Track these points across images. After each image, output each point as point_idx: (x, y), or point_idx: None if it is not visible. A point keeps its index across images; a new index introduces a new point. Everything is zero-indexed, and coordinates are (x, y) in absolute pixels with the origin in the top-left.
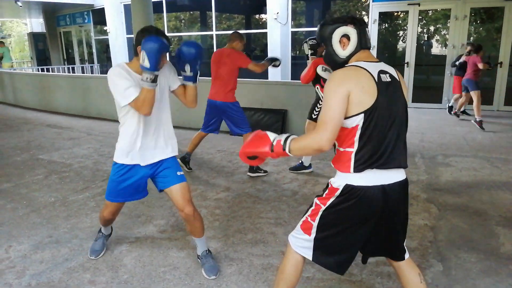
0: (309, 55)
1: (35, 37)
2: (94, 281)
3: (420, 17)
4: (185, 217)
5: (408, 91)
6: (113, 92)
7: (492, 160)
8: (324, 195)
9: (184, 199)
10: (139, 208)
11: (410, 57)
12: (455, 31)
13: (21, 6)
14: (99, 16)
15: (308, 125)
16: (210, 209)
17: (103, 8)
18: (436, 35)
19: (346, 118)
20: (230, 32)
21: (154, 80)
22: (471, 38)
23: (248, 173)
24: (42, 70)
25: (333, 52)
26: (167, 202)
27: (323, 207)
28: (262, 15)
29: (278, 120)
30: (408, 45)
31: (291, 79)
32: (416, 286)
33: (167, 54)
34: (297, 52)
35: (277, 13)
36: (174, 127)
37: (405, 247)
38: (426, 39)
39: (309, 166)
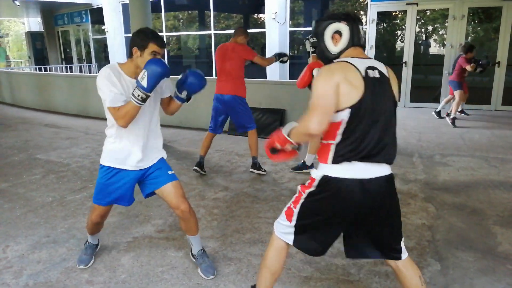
0: (310, 53)
1: (33, 37)
2: (92, 281)
3: (418, 17)
4: (181, 215)
5: (399, 87)
6: (100, 93)
7: (489, 159)
8: (306, 184)
9: (178, 196)
10: (136, 207)
11: (408, 56)
12: (453, 31)
13: (18, 5)
14: (97, 16)
15: None
16: (208, 208)
17: (101, 7)
18: (434, 35)
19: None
20: (229, 31)
21: (144, 100)
22: (469, 38)
23: (251, 169)
24: (40, 69)
25: (325, 47)
26: (165, 201)
27: (303, 195)
28: (261, 15)
29: (276, 120)
30: (406, 45)
31: (289, 79)
32: None
33: (165, 52)
34: (296, 51)
35: (276, 12)
36: (171, 126)
37: (402, 247)
38: (424, 38)
39: (311, 166)
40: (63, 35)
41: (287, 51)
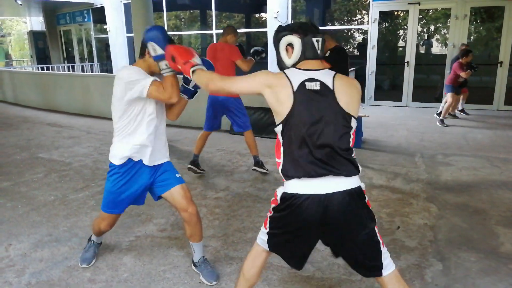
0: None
1: (35, 36)
2: (94, 280)
3: (420, 16)
4: (188, 218)
5: (356, 96)
6: (130, 87)
7: (492, 159)
8: (274, 197)
9: (186, 199)
10: (139, 207)
11: (410, 56)
12: (455, 31)
13: (21, 5)
14: (99, 15)
15: None
16: (210, 208)
17: (103, 6)
18: (436, 35)
19: (276, 125)
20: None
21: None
22: (471, 37)
23: (253, 167)
24: (42, 68)
25: (281, 59)
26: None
27: (271, 208)
28: (262, 14)
29: None
30: (408, 44)
31: None
32: None
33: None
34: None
35: (277, 12)
36: (176, 126)
37: (382, 263)
38: (426, 38)
39: None
40: (65, 34)
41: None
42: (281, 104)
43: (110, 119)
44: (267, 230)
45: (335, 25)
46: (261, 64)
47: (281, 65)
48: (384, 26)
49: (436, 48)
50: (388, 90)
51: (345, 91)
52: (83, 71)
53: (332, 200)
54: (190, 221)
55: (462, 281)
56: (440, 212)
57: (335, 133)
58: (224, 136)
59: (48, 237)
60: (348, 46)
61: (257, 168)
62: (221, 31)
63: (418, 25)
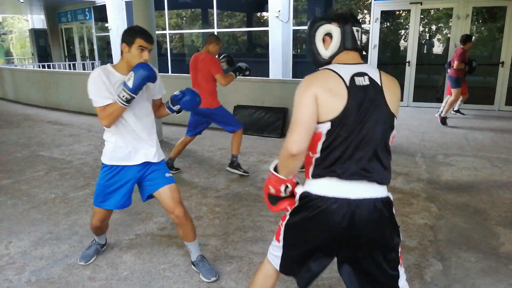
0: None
1: (36, 34)
2: (94, 278)
3: (422, 16)
4: (175, 220)
5: (398, 95)
6: (88, 93)
7: (492, 160)
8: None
9: (173, 200)
10: (139, 205)
11: (412, 56)
12: (457, 30)
13: (22, 2)
14: (100, 13)
15: None
16: (210, 206)
17: (105, 5)
18: (438, 34)
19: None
20: (232, 30)
21: (129, 101)
22: (473, 37)
23: (227, 168)
24: (43, 66)
25: (316, 51)
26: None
27: (288, 212)
28: (264, 13)
29: (279, 119)
30: (410, 44)
31: (292, 78)
32: None
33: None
34: (299, 50)
35: (279, 11)
36: (173, 124)
37: (397, 285)
38: (427, 38)
39: None
40: (66, 32)
41: (290, 51)
42: (334, 96)
43: None
44: (281, 242)
45: None
46: (261, 63)
47: (317, 58)
48: (385, 25)
49: (438, 48)
50: None
51: (390, 89)
52: (84, 69)
53: (361, 206)
54: (178, 222)
55: (462, 281)
56: (441, 212)
57: (381, 134)
58: (225, 135)
59: (48, 235)
60: None
61: (230, 169)
62: (223, 30)
63: (420, 24)
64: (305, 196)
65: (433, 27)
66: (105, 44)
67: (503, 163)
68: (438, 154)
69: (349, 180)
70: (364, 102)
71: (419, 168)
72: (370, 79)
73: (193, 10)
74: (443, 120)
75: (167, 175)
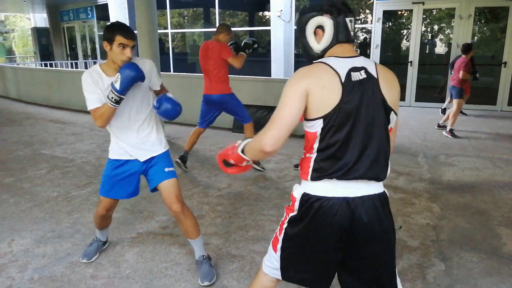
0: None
1: (38, 32)
2: (96, 276)
3: (424, 16)
4: (174, 215)
5: (397, 88)
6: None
7: (494, 160)
8: (290, 205)
9: (171, 196)
10: (141, 204)
11: (414, 56)
12: (459, 31)
13: (24, 1)
14: (102, 12)
15: None
16: (212, 205)
17: (107, 3)
18: (440, 34)
19: (307, 120)
20: (233, 29)
21: (118, 102)
22: (475, 37)
23: (253, 166)
24: (46, 65)
25: (307, 44)
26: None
27: (286, 220)
28: (266, 13)
29: None
30: (412, 44)
31: None
32: None
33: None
34: (300, 50)
35: (281, 10)
36: (172, 123)
37: (396, 284)
38: (430, 38)
39: None
40: (68, 31)
41: (292, 50)
42: (327, 93)
43: None
44: (280, 252)
45: None
46: (263, 63)
47: (309, 52)
48: (387, 25)
49: (440, 48)
50: None
51: (388, 82)
52: (86, 68)
53: (360, 205)
54: (176, 218)
55: (464, 282)
56: (443, 212)
57: (380, 130)
58: (227, 134)
59: (50, 233)
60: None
61: (256, 166)
62: None
63: (422, 24)
64: (306, 199)
65: (435, 27)
66: None
67: (505, 163)
68: (440, 154)
69: (349, 180)
70: (361, 98)
71: (421, 168)
72: (367, 72)
73: (195, 9)
74: (452, 133)
75: (166, 169)
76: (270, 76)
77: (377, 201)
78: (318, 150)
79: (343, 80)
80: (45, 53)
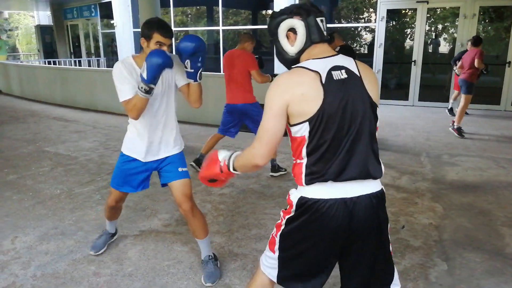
0: None
1: (42, 30)
2: (99, 273)
3: (428, 15)
4: (183, 214)
5: (377, 84)
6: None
7: (498, 160)
8: (286, 209)
9: (183, 195)
10: (144, 201)
11: (418, 55)
12: (463, 30)
13: None
14: (106, 10)
15: None
16: (215, 204)
17: (110, 1)
18: (444, 34)
19: (291, 125)
20: (237, 27)
21: (148, 92)
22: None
23: (271, 173)
24: (49, 63)
25: (282, 48)
26: (172, 197)
27: (283, 222)
28: (269, 11)
29: None
30: (416, 43)
31: None
32: None
33: (172, 44)
34: (275, 54)
35: None
36: (180, 122)
37: (395, 279)
38: (434, 37)
39: None
40: (72, 29)
41: None
42: (307, 99)
43: (116, 114)
44: (277, 253)
45: (342, 23)
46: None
47: (284, 56)
48: (391, 24)
49: (444, 47)
50: (395, 89)
51: (369, 78)
52: (89, 65)
53: (358, 204)
54: (186, 217)
55: (466, 282)
56: (445, 212)
57: (369, 128)
58: None
59: (53, 230)
60: (355, 44)
61: (274, 174)
62: (227, 27)
63: (426, 23)
64: (303, 203)
65: (440, 26)
66: (110, 40)
67: (509, 163)
68: (443, 154)
69: (343, 182)
70: (345, 97)
71: (424, 168)
72: (348, 71)
73: (198, 7)
74: (459, 131)
75: (180, 169)
76: (273, 72)
77: (374, 199)
78: (308, 154)
79: (323, 80)
80: (49, 51)
